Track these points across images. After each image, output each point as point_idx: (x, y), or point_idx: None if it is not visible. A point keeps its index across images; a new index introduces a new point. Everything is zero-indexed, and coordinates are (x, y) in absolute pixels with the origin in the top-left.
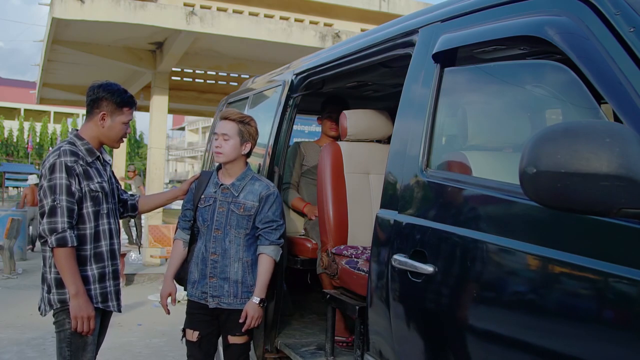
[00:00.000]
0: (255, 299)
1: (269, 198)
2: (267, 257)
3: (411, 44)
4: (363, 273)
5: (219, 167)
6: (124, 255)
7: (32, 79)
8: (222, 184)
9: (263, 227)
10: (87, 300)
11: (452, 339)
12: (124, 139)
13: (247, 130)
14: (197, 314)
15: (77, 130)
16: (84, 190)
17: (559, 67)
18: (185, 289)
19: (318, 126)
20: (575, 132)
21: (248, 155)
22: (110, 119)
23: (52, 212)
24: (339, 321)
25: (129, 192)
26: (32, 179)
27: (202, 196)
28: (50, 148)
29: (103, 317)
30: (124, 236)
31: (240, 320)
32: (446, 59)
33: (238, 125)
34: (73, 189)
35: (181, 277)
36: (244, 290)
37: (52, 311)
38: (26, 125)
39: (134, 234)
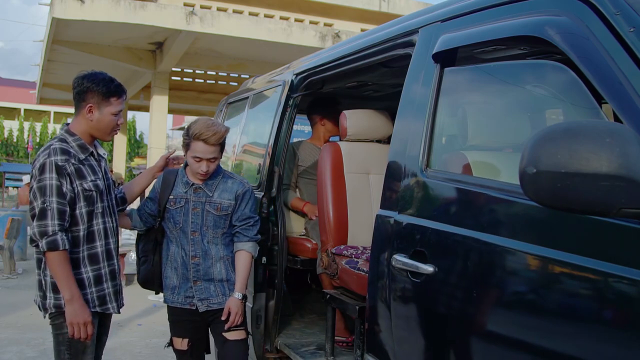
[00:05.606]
0: (238, 295)
1: (245, 195)
2: (246, 253)
3: (411, 44)
4: (363, 273)
5: (187, 165)
6: (123, 255)
7: (32, 79)
8: (193, 184)
9: (241, 224)
10: (82, 305)
11: (452, 339)
12: (117, 131)
13: (224, 142)
14: (184, 321)
15: (67, 125)
16: (76, 190)
17: (559, 67)
18: (156, 293)
19: None
20: (575, 132)
21: None
22: (97, 111)
23: (42, 214)
24: (339, 321)
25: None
26: (26, 179)
27: (171, 197)
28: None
29: (104, 318)
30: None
31: (223, 317)
32: (446, 59)
33: (220, 145)
34: (64, 189)
35: (147, 279)
36: (231, 288)
37: (49, 315)
38: (26, 125)
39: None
